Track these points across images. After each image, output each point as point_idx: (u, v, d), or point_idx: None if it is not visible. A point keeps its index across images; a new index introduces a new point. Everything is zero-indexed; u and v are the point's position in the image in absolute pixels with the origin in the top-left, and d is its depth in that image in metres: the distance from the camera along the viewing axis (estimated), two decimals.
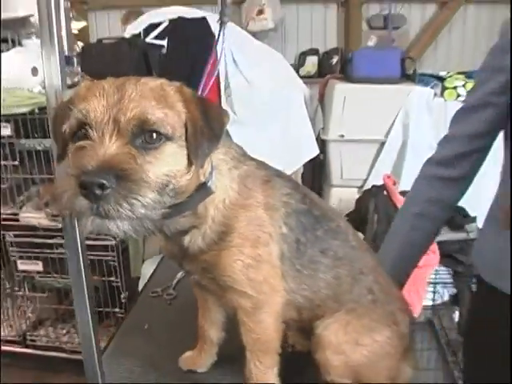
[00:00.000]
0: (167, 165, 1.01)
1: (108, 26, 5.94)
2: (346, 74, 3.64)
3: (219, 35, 1.28)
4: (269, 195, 1.27)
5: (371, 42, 5.46)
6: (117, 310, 3.26)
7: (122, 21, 5.04)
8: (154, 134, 1.00)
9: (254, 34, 5.39)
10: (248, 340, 1.33)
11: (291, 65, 5.67)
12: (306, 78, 5.34)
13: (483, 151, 1.51)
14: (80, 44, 4.52)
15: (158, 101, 1.02)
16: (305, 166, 3.82)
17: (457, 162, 1.53)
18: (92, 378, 1.44)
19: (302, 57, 5.76)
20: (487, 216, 1.61)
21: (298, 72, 5.66)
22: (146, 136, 0.99)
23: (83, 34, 5.54)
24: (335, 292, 1.36)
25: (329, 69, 5.36)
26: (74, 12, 5.27)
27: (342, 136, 3.50)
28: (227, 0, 1.26)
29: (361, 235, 2.91)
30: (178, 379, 1.54)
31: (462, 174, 1.54)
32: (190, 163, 1.06)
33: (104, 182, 0.89)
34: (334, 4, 5.83)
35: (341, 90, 3.48)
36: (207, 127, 1.07)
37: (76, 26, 5.13)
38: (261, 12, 5.42)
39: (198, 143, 1.05)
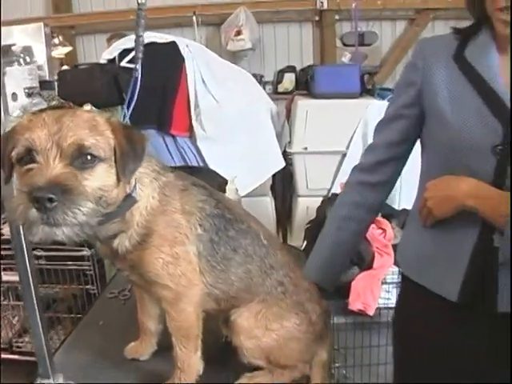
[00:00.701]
0: (100, 181, 1.23)
1: (95, 50, 6.15)
2: (309, 90, 3.86)
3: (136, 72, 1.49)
4: (185, 202, 1.48)
5: (345, 59, 5.64)
6: None
7: (107, 41, 5.30)
8: (89, 157, 1.22)
9: (234, 54, 5.67)
10: (172, 327, 1.53)
11: (270, 82, 5.95)
12: (284, 94, 5.59)
13: (401, 158, 1.66)
14: (65, 68, 4.75)
15: (90, 129, 1.24)
16: (275, 177, 4.03)
17: (377, 168, 1.67)
18: (44, 373, 1.63)
19: (280, 74, 5.98)
20: (409, 217, 1.75)
21: (276, 89, 5.93)
22: (82, 158, 1.21)
23: (70, 58, 5.79)
24: (247, 285, 1.56)
25: (305, 85, 5.58)
26: (61, 37, 5.53)
27: (306, 148, 3.72)
28: (140, 44, 1.47)
29: None
30: (123, 366, 1.74)
31: (382, 180, 1.68)
32: (118, 179, 1.28)
33: (53, 196, 1.11)
34: (308, 23, 6.07)
35: (303, 106, 3.71)
36: (131, 150, 1.29)
37: (62, 51, 5.38)
38: (239, 33, 5.64)
39: (124, 163, 1.27)
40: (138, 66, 1.49)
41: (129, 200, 1.36)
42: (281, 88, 5.91)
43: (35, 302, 1.54)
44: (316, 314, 1.64)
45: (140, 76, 3.60)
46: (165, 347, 1.72)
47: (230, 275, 1.54)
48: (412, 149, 1.67)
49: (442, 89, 1.46)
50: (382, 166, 1.67)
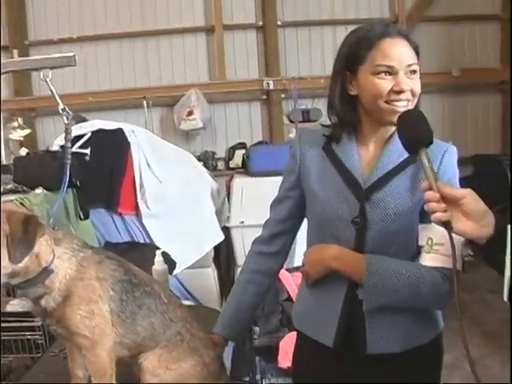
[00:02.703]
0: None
1: (55, 132, 6.49)
2: (246, 168, 4.47)
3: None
4: (100, 271, 2.00)
5: (292, 134, 6.25)
6: None
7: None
8: None
9: (186, 133, 6.31)
10: (90, 369, 2.02)
11: (222, 158, 6.57)
12: (235, 170, 6.18)
13: (291, 232, 2.06)
14: (25, 150, 5.29)
15: None
16: (219, 249, 4.57)
17: (272, 240, 2.06)
18: None
19: (231, 150, 6.57)
20: (301, 281, 2.14)
21: (228, 164, 6.52)
22: None
23: (30, 139, 6.36)
24: (151, 334, 2.06)
25: None
26: (21, 120, 6.12)
27: (242, 222, 4.28)
28: (68, 154, 2.05)
29: None
30: None
31: (276, 250, 2.08)
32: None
33: None
34: (257, 101, 6.78)
35: (239, 184, 4.32)
36: (24, 237, 1.80)
37: (21, 133, 5.96)
38: (190, 113, 6.22)
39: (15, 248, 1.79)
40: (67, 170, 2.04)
41: (45, 271, 1.87)
42: (232, 164, 6.47)
43: None
44: (209, 357, 2.11)
45: (89, 160, 4.22)
46: None
47: (137, 327, 2.04)
48: (301, 223, 2.07)
49: (314, 173, 1.87)
50: (275, 238, 2.06)
